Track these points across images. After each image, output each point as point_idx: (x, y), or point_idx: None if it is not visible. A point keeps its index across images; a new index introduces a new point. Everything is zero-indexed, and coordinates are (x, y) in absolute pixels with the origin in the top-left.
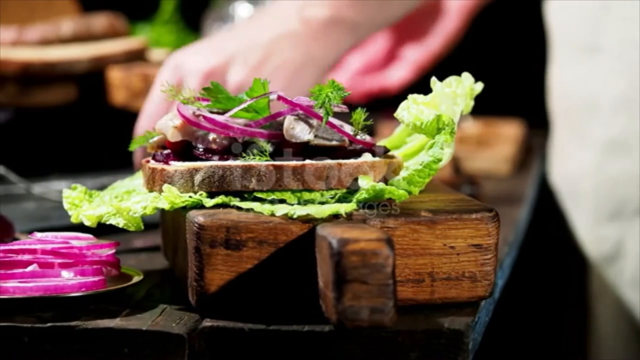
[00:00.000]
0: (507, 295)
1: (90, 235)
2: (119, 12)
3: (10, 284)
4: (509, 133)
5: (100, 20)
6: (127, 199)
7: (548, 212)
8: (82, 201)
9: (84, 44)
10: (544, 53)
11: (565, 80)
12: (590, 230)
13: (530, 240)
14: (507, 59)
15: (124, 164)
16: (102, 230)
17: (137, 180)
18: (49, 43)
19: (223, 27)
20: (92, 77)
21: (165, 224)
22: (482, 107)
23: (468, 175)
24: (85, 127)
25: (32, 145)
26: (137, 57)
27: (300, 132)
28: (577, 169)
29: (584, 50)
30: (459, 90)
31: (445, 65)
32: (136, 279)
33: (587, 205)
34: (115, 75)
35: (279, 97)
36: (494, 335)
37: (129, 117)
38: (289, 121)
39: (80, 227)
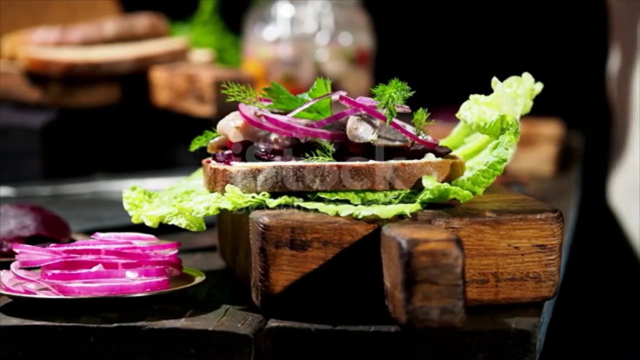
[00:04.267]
0: (562, 296)
1: (152, 236)
2: (158, 12)
3: (75, 284)
4: (550, 133)
5: (142, 21)
6: (188, 200)
7: (592, 213)
8: (142, 202)
9: (127, 44)
10: (580, 52)
11: (629, 74)
12: None
13: (578, 240)
14: (543, 58)
15: (167, 164)
16: (153, 230)
17: (195, 181)
18: (92, 43)
19: (264, 28)
20: (136, 77)
21: (224, 224)
22: None
23: (514, 175)
24: (129, 128)
25: (76, 146)
26: (180, 57)
27: (363, 132)
28: None
29: None
30: (520, 91)
31: (482, 65)
32: (198, 279)
33: None
34: (159, 76)
35: (342, 98)
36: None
37: (173, 117)
38: (352, 121)
39: (133, 227)
